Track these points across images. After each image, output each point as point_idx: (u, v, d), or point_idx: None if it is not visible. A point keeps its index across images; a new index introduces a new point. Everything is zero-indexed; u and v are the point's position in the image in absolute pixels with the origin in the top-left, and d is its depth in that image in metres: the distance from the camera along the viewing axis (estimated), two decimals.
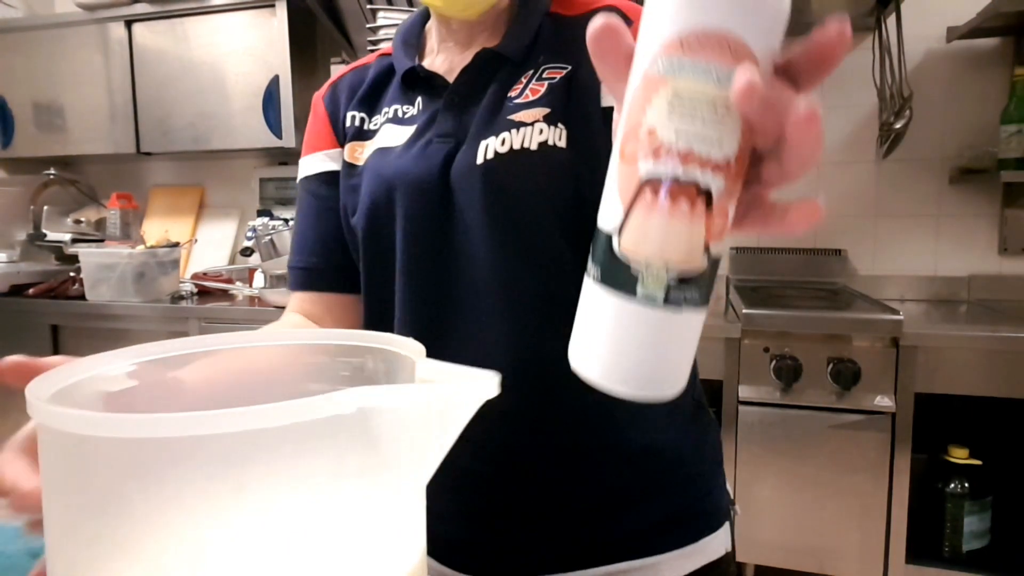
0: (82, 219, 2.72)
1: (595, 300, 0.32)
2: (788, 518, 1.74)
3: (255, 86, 2.37)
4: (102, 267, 2.25)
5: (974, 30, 1.92)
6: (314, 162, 0.75)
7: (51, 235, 2.64)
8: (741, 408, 1.76)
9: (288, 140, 2.36)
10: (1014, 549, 1.71)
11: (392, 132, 0.69)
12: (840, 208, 2.21)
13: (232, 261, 2.74)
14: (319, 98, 0.77)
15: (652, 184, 0.29)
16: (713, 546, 0.66)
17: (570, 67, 0.64)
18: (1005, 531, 1.73)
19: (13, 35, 2.61)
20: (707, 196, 0.29)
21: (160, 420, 0.28)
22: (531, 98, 0.63)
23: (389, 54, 0.75)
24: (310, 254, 0.74)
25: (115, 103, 2.53)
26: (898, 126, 1.91)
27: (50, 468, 0.31)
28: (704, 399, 0.72)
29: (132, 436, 0.28)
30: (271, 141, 2.38)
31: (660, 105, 0.28)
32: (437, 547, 0.66)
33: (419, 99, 0.69)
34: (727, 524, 0.69)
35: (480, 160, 0.61)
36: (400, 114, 0.70)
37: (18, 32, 2.61)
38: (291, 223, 2.21)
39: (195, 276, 2.46)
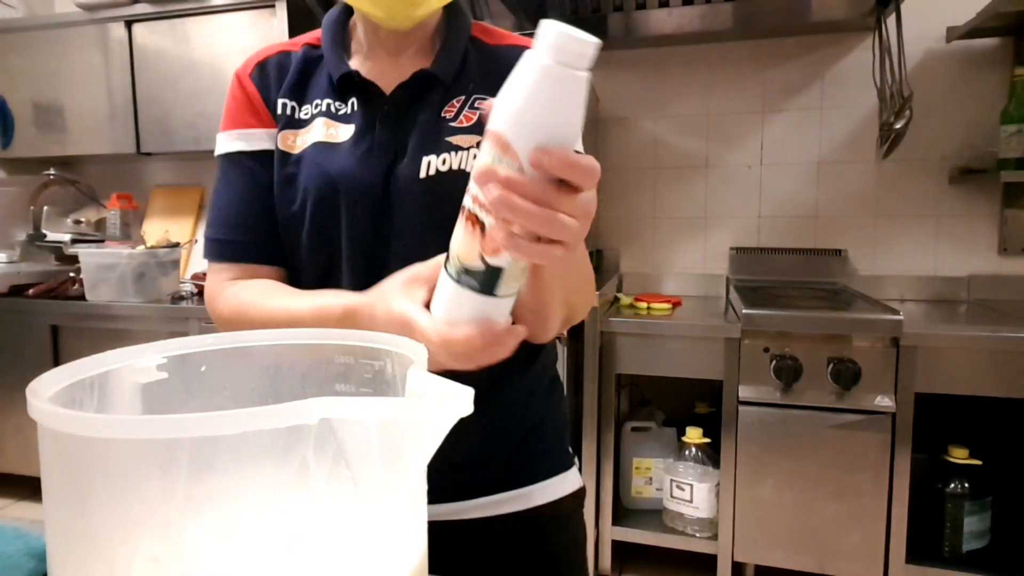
0: (82, 219, 2.72)
1: (441, 276, 0.53)
2: (788, 518, 1.74)
3: None
4: (102, 267, 2.25)
5: (974, 30, 1.92)
6: (244, 138, 0.78)
7: (51, 235, 2.64)
8: (741, 408, 1.76)
9: None
10: (1014, 549, 1.71)
11: (329, 127, 0.73)
12: (840, 208, 2.21)
13: None
14: (244, 76, 0.80)
15: (464, 211, 0.48)
16: (571, 479, 0.82)
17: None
18: (1005, 531, 1.73)
19: (13, 35, 2.61)
20: (483, 224, 0.46)
21: (127, 422, 0.28)
22: (466, 124, 0.72)
23: (313, 44, 0.80)
24: (235, 228, 0.77)
25: (115, 103, 2.53)
26: (898, 126, 1.91)
27: (50, 468, 0.31)
28: (559, 376, 0.87)
29: (101, 437, 0.28)
30: None
31: (485, 164, 0.45)
32: None
33: (353, 100, 0.74)
34: (576, 466, 0.85)
35: (423, 174, 0.70)
36: (333, 110, 0.74)
37: (18, 32, 2.61)
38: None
39: (195, 276, 2.46)
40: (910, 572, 1.68)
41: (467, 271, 0.49)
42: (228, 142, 0.79)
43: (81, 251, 2.31)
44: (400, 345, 0.43)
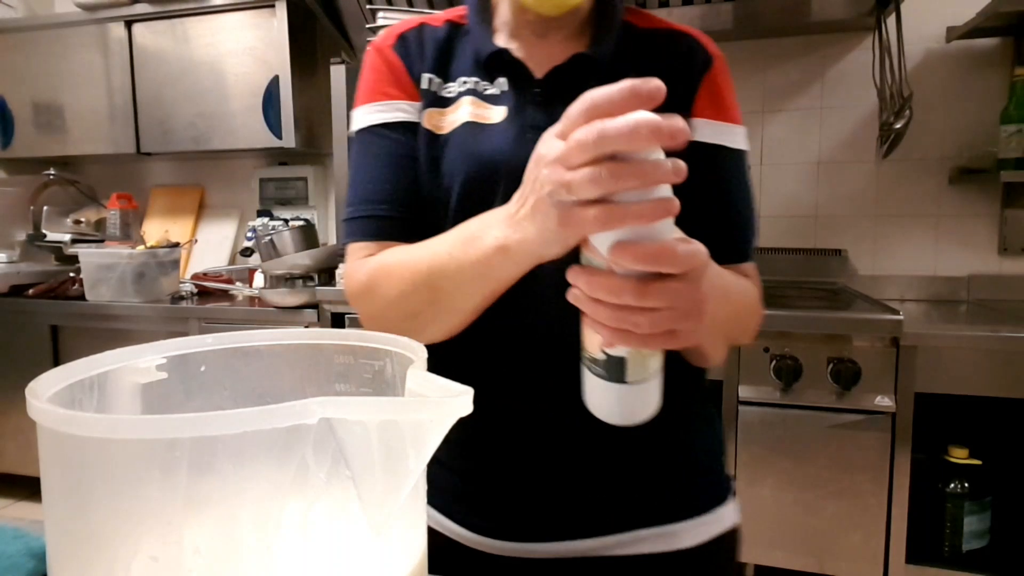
0: (82, 219, 2.72)
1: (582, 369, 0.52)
2: (788, 518, 1.74)
3: (255, 86, 2.37)
4: (102, 267, 2.25)
5: (974, 30, 1.92)
6: (387, 109, 0.71)
7: (51, 235, 2.64)
8: (741, 408, 1.76)
9: (288, 140, 2.36)
10: (1014, 549, 1.71)
11: (477, 107, 0.68)
12: (840, 208, 2.21)
13: (232, 261, 2.73)
14: (385, 47, 0.73)
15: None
16: (726, 517, 0.72)
17: None
18: (1005, 531, 1.73)
19: (13, 35, 2.61)
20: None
21: (123, 422, 0.28)
22: None
23: (455, 21, 0.74)
24: (380, 203, 0.69)
25: (115, 103, 2.53)
26: (898, 126, 1.91)
27: (50, 468, 0.31)
28: (708, 397, 0.79)
29: (102, 437, 0.28)
30: (271, 141, 2.38)
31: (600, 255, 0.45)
32: (458, 508, 0.70)
33: (501, 80, 0.69)
34: (733, 500, 0.75)
35: None
36: (480, 89, 0.69)
37: (18, 32, 2.61)
38: (291, 223, 2.21)
39: (195, 276, 2.46)
40: (910, 572, 1.67)
41: (593, 360, 0.49)
42: (368, 115, 0.72)
43: (81, 251, 2.31)
44: (400, 345, 0.43)
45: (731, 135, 0.69)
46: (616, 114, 0.42)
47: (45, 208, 2.68)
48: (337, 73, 2.03)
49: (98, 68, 2.53)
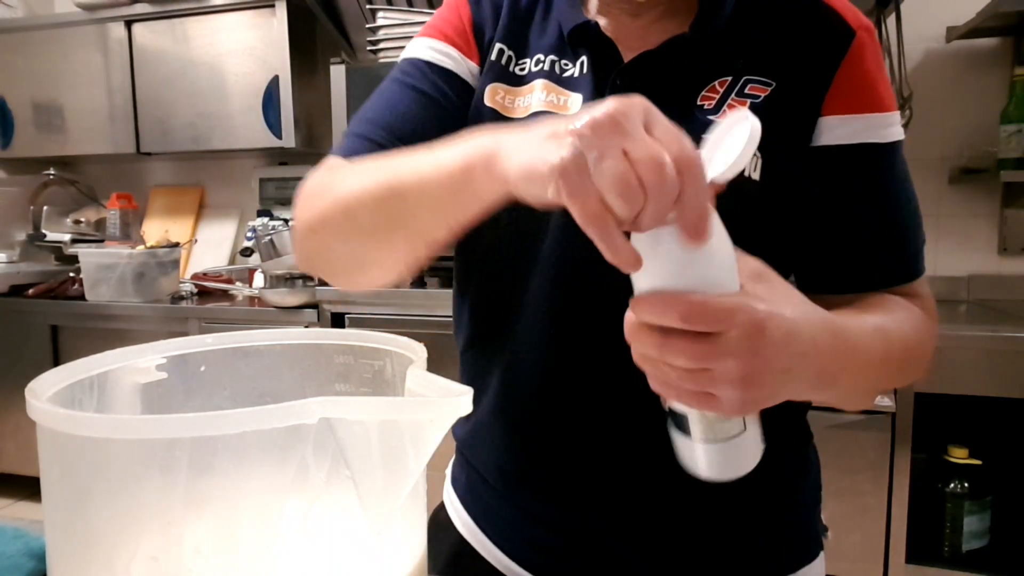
0: (82, 219, 2.72)
1: (672, 432, 0.46)
2: None
3: (255, 86, 2.37)
4: (102, 267, 2.25)
5: (974, 30, 1.92)
6: (443, 52, 0.63)
7: (51, 235, 2.64)
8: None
9: (288, 140, 2.36)
10: (1014, 549, 1.71)
11: (552, 94, 0.59)
12: None
13: (232, 261, 2.73)
14: (462, 1, 0.65)
15: None
16: (813, 572, 0.64)
17: (775, 84, 0.55)
18: (1005, 531, 1.73)
19: (13, 35, 2.61)
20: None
21: (123, 422, 0.28)
22: None
23: None
24: (387, 130, 0.60)
25: (115, 103, 2.53)
26: None
27: (50, 468, 0.31)
28: (810, 432, 0.69)
29: (100, 436, 0.28)
30: (271, 141, 2.38)
31: None
32: (529, 552, 0.64)
33: (583, 60, 0.59)
34: (822, 554, 0.66)
35: None
36: (558, 70, 0.60)
37: (18, 32, 2.61)
38: (291, 223, 2.20)
39: (195, 276, 2.46)
40: (910, 572, 1.67)
41: (667, 410, 0.45)
42: (422, 48, 0.63)
43: (81, 251, 2.31)
44: (399, 345, 0.43)
45: (881, 127, 0.56)
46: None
47: (45, 208, 2.68)
48: (337, 73, 2.03)
49: (98, 68, 2.53)
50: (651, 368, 0.39)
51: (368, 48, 2.07)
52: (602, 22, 0.60)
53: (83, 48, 2.54)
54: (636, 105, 0.37)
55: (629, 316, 0.39)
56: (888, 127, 0.56)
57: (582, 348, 0.58)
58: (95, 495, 0.30)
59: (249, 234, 2.63)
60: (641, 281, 0.39)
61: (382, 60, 2.02)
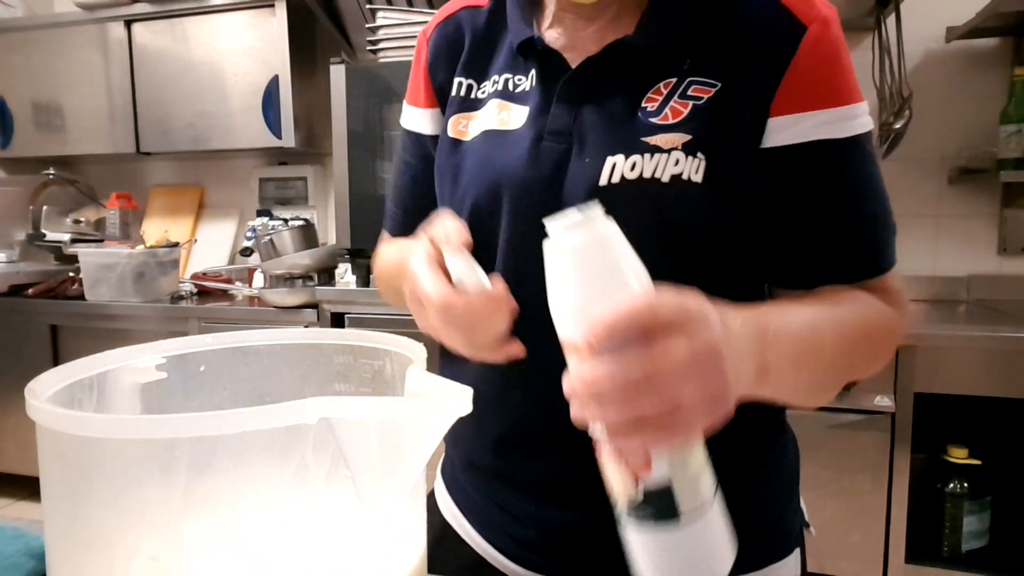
0: (81, 219, 2.72)
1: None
2: None
3: (255, 86, 2.36)
4: (102, 267, 2.25)
5: (973, 30, 1.92)
6: (410, 117, 0.71)
7: (50, 235, 2.63)
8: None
9: (288, 140, 2.35)
10: (1013, 549, 1.71)
11: (502, 110, 0.62)
12: None
13: (232, 261, 2.73)
14: (424, 39, 0.69)
15: (598, 446, 0.42)
16: (785, 570, 0.64)
17: (720, 85, 0.55)
18: (1004, 531, 1.73)
19: (13, 35, 2.61)
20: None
21: (124, 422, 0.28)
22: (671, 120, 0.55)
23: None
24: (400, 203, 0.74)
25: (115, 103, 2.53)
26: (898, 126, 1.91)
27: (49, 468, 0.31)
28: (786, 419, 0.68)
29: (97, 436, 0.28)
30: (271, 141, 2.38)
31: None
32: (509, 543, 0.66)
33: (533, 72, 0.61)
34: (797, 550, 0.66)
35: (604, 181, 0.55)
36: (511, 86, 0.62)
37: (18, 32, 2.61)
38: (290, 223, 2.20)
39: (195, 276, 2.46)
40: (909, 572, 1.67)
41: (636, 508, 0.40)
42: (405, 117, 0.72)
43: (80, 251, 2.31)
44: (399, 345, 0.43)
45: (836, 122, 0.54)
46: None
47: (45, 208, 2.68)
48: (337, 73, 2.03)
49: (98, 68, 2.53)
50: (627, 424, 0.37)
51: (368, 48, 2.07)
52: (555, 33, 0.61)
53: (83, 48, 2.54)
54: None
55: (575, 409, 0.39)
56: (845, 121, 0.54)
57: (546, 346, 0.56)
58: (95, 495, 0.30)
59: (249, 234, 2.63)
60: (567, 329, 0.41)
61: (382, 60, 2.02)
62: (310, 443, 0.30)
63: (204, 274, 2.47)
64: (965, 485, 1.68)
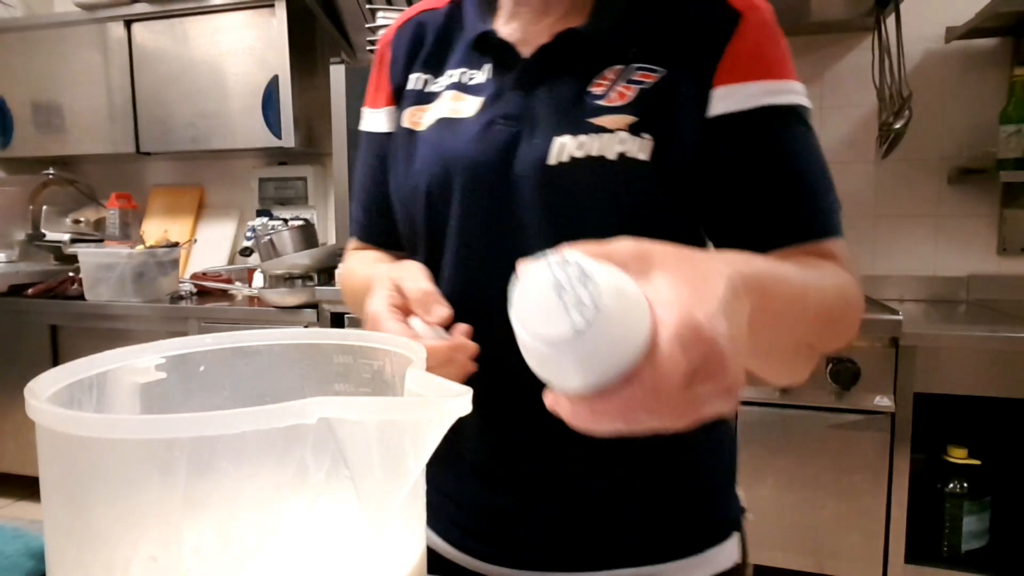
0: (81, 219, 2.72)
1: None
2: (788, 518, 1.74)
3: (254, 86, 2.36)
4: (101, 267, 2.25)
5: (973, 30, 1.92)
6: (373, 119, 0.73)
7: (50, 235, 2.64)
8: (741, 408, 1.76)
9: (287, 140, 2.35)
10: (1013, 549, 1.71)
11: (456, 100, 0.64)
12: None
13: (231, 261, 2.73)
14: (385, 43, 0.72)
15: None
16: (720, 558, 0.65)
17: (664, 71, 0.59)
18: (1004, 531, 1.73)
19: (12, 35, 2.61)
20: None
21: (120, 422, 0.28)
22: (617, 103, 0.58)
23: (459, 1, 0.70)
24: (363, 208, 0.75)
25: (114, 103, 2.53)
26: (897, 126, 1.91)
27: (49, 468, 0.31)
28: (730, 423, 0.70)
29: (98, 436, 0.28)
30: (271, 141, 2.38)
31: None
32: (454, 532, 0.68)
33: (488, 66, 0.64)
34: (736, 535, 0.67)
35: (553, 160, 0.58)
36: (466, 79, 0.65)
37: (17, 32, 2.61)
38: (290, 223, 2.21)
39: (194, 276, 2.45)
40: (909, 572, 1.67)
41: None
42: (365, 119, 0.74)
43: (80, 251, 2.31)
44: (399, 345, 0.43)
45: (776, 93, 0.57)
46: None
47: (44, 208, 2.68)
48: (337, 73, 2.03)
49: (97, 68, 2.53)
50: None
51: (368, 48, 2.07)
52: (510, 28, 0.65)
53: (83, 48, 2.54)
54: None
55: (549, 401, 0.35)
56: (784, 93, 0.58)
57: (490, 325, 0.55)
58: (94, 495, 0.30)
59: (248, 234, 2.63)
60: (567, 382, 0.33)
61: None
62: (310, 443, 0.30)
63: (204, 274, 2.47)
64: (965, 485, 1.68)
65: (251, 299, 2.25)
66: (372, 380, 0.44)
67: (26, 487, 2.48)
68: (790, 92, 0.58)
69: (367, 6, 2.10)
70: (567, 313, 0.30)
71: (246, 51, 2.36)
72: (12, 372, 2.37)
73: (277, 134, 2.36)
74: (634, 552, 0.62)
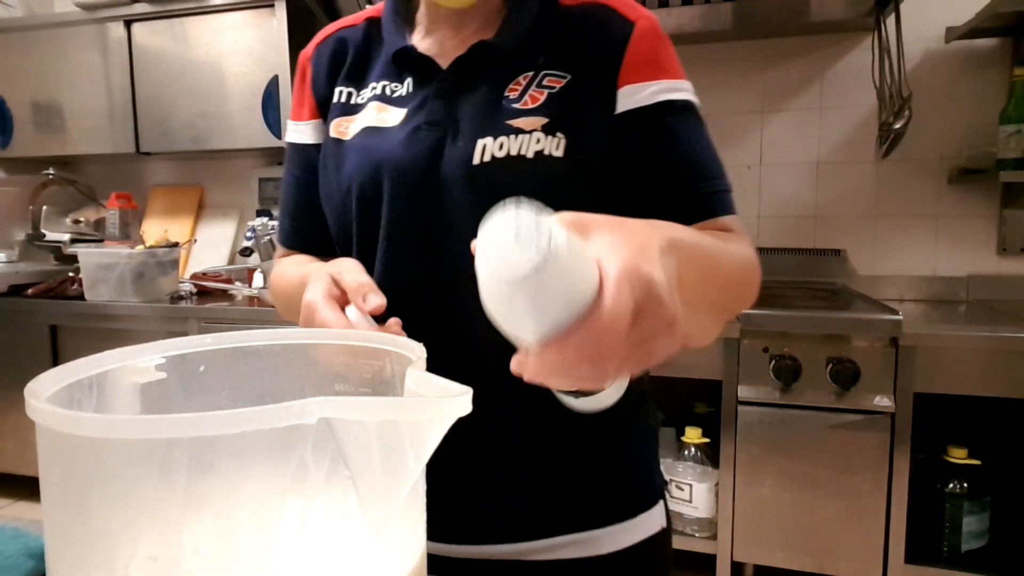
0: (81, 219, 2.72)
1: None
2: (788, 518, 1.74)
3: (254, 86, 2.36)
4: (101, 267, 2.25)
5: (973, 30, 1.92)
6: (296, 131, 0.76)
7: (50, 235, 2.63)
8: (740, 408, 1.76)
9: None
10: (1013, 549, 1.71)
11: (380, 111, 0.69)
12: (839, 208, 2.21)
13: (231, 261, 2.73)
14: (305, 59, 0.77)
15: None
16: (649, 522, 0.71)
17: (570, 76, 0.65)
18: (1004, 531, 1.73)
19: (12, 35, 2.61)
20: None
21: (120, 422, 0.28)
22: (531, 105, 0.64)
23: (375, 17, 0.74)
24: (291, 216, 0.79)
25: (114, 103, 2.53)
26: (897, 126, 1.91)
27: (49, 468, 0.31)
28: (649, 391, 0.77)
29: (98, 436, 0.28)
30: (270, 141, 2.37)
31: None
32: None
33: (408, 80, 0.69)
34: (661, 502, 0.73)
35: (476, 160, 0.63)
36: (388, 92, 0.70)
37: (17, 32, 2.61)
38: None
39: (194, 276, 2.45)
40: (909, 572, 1.68)
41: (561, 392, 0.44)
42: (290, 132, 0.78)
43: (80, 251, 2.31)
44: (399, 345, 0.43)
45: (672, 91, 0.66)
46: None
47: (44, 208, 2.68)
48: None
49: (97, 68, 2.53)
50: (581, 374, 0.37)
51: None
52: (426, 43, 0.70)
53: (82, 48, 2.54)
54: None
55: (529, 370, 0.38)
56: (679, 91, 0.66)
57: (417, 325, 0.60)
58: (94, 495, 0.30)
59: (248, 234, 2.63)
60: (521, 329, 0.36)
61: None
62: (310, 443, 0.30)
63: (204, 274, 2.46)
64: (965, 485, 1.68)
65: (251, 299, 2.25)
66: (372, 380, 0.44)
67: (26, 487, 2.48)
68: (683, 90, 0.67)
69: (367, 6, 2.10)
70: (525, 253, 0.33)
71: (246, 51, 2.36)
72: (12, 372, 2.37)
73: (277, 134, 2.36)
74: (573, 519, 0.68)
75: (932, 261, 2.13)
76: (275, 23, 2.31)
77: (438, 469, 0.64)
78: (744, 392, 1.75)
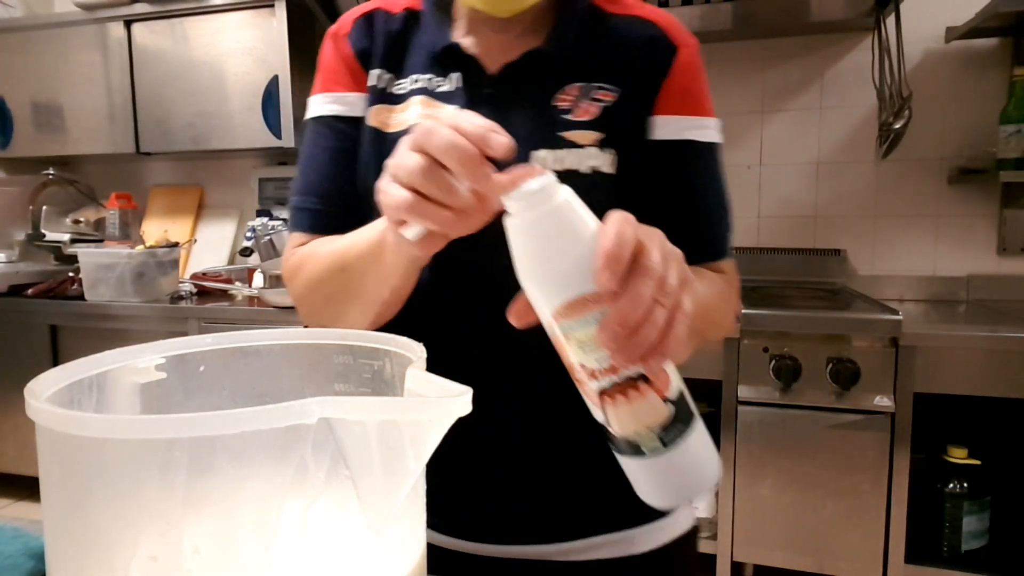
0: (81, 219, 2.72)
1: (629, 465, 0.46)
2: (788, 518, 1.74)
3: (254, 86, 2.36)
4: (101, 267, 2.25)
5: (973, 30, 1.92)
6: (341, 101, 0.71)
7: (50, 235, 2.63)
8: (740, 408, 1.76)
9: (287, 140, 2.35)
10: (1013, 549, 1.71)
11: (428, 107, 0.66)
12: (839, 208, 2.21)
13: (231, 261, 2.73)
14: (340, 36, 0.73)
15: (607, 392, 0.42)
16: (680, 521, 0.72)
17: (620, 91, 0.66)
18: (1004, 531, 1.73)
19: (12, 35, 2.61)
20: (638, 377, 0.41)
21: (120, 422, 0.28)
22: (585, 119, 0.64)
23: (413, 8, 0.71)
24: (326, 196, 0.70)
25: (114, 103, 2.53)
26: (897, 126, 1.91)
27: (49, 468, 0.31)
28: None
29: (98, 436, 0.28)
30: (270, 141, 2.37)
31: (575, 349, 0.42)
32: (432, 512, 0.68)
33: (455, 76, 0.67)
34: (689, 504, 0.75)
35: None
36: (433, 87, 0.67)
37: (17, 32, 2.61)
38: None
39: (194, 276, 2.45)
40: (909, 572, 1.68)
41: (667, 427, 0.43)
42: (323, 105, 0.72)
43: (80, 251, 2.31)
44: (399, 345, 0.43)
45: (699, 129, 0.67)
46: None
47: (44, 208, 2.68)
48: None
49: (97, 68, 2.53)
50: (660, 344, 0.40)
51: None
52: (468, 40, 0.69)
53: (82, 48, 2.54)
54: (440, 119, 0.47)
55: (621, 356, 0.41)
56: (706, 129, 0.68)
57: (461, 331, 0.65)
58: (94, 495, 0.30)
59: (248, 234, 2.63)
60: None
61: None
62: (310, 443, 0.30)
63: (204, 274, 2.46)
64: (965, 485, 1.68)
65: (251, 299, 2.25)
66: (372, 380, 0.44)
67: (26, 487, 2.48)
68: (712, 128, 0.69)
69: None
70: (552, 181, 0.42)
71: (246, 51, 2.36)
72: (12, 372, 2.37)
73: (277, 134, 2.36)
74: (608, 520, 0.68)
75: (932, 261, 2.13)
76: (275, 23, 2.31)
77: (473, 470, 0.66)
78: (744, 392, 1.75)
